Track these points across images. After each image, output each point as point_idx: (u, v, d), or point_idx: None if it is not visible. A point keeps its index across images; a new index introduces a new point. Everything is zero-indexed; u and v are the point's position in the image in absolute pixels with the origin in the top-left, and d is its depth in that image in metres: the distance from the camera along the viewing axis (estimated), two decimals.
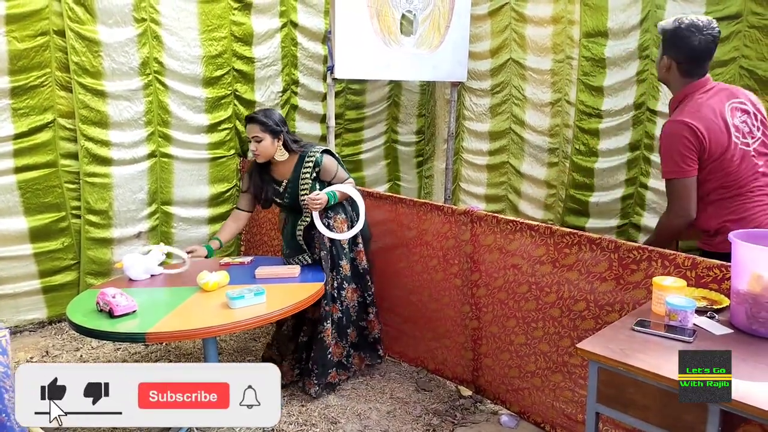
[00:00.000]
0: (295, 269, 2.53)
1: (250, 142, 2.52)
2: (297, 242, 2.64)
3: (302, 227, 2.60)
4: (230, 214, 2.75)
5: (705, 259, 1.83)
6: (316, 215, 2.50)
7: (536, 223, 2.30)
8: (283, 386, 2.72)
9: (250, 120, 2.51)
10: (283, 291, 2.32)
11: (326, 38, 3.99)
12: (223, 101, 3.68)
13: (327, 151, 2.61)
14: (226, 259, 2.77)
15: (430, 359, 2.80)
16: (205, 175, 3.69)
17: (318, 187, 2.56)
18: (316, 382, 2.55)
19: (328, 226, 2.57)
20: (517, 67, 4.13)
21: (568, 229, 2.19)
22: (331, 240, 2.60)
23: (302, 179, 2.55)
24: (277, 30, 3.83)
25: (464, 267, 2.55)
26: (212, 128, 3.65)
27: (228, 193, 3.81)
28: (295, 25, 3.91)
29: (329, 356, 2.57)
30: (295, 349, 2.69)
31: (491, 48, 4.25)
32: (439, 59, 3.96)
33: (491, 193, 4.52)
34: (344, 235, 2.59)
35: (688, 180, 2.01)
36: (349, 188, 2.58)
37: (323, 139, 4.10)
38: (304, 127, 4.12)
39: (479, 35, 4.30)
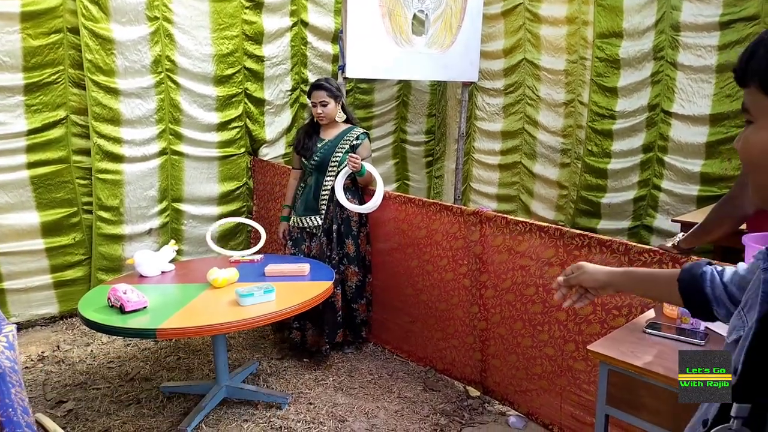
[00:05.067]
0: (304, 267, 2.53)
1: (316, 106, 2.84)
2: (316, 202, 2.87)
3: (329, 186, 2.85)
4: (290, 176, 3.09)
5: (717, 261, 1.80)
6: (339, 181, 2.79)
7: (546, 224, 2.27)
8: (291, 354, 2.94)
9: (317, 87, 2.84)
10: (292, 289, 2.32)
11: (337, 37, 3.99)
12: (233, 99, 3.69)
13: (368, 134, 3.01)
14: (237, 256, 2.78)
15: (439, 359, 2.79)
16: (215, 172, 3.71)
17: None
18: (327, 341, 2.84)
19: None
20: (531, 67, 4.11)
21: (578, 231, 2.17)
22: (342, 217, 2.87)
23: (341, 144, 2.88)
24: (287, 29, 3.84)
25: (473, 267, 2.54)
26: (223, 126, 3.67)
27: (238, 191, 3.83)
28: (305, 24, 3.92)
29: (339, 318, 2.86)
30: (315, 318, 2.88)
31: (505, 48, 4.23)
32: (451, 59, 3.94)
33: (503, 193, 4.50)
34: (357, 208, 2.83)
35: None
36: (376, 172, 2.85)
37: None
38: None
39: (492, 35, 4.28)
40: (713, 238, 1.74)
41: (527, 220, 2.35)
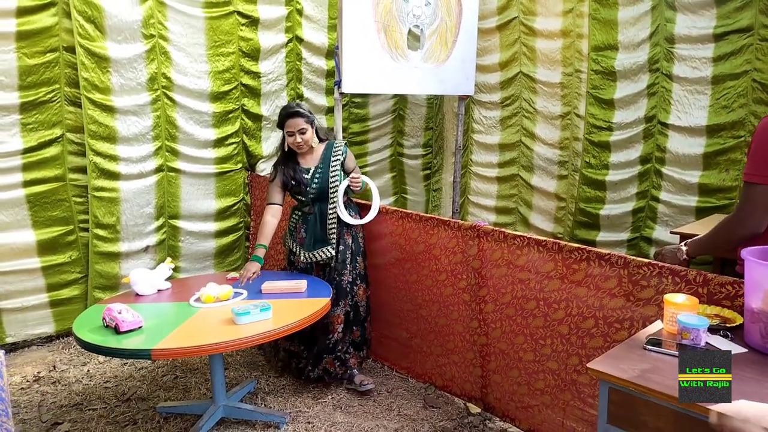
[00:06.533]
0: (301, 284, 2.51)
1: (292, 135, 2.65)
2: (325, 233, 2.72)
3: (334, 213, 2.72)
4: (265, 211, 2.76)
5: (717, 275, 1.79)
6: (341, 203, 2.69)
7: (544, 238, 2.26)
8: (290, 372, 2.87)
9: (294, 114, 2.64)
10: (289, 306, 2.30)
11: (331, 53, 4.01)
12: (230, 116, 3.70)
13: (347, 143, 2.90)
14: (233, 274, 2.76)
15: (438, 375, 2.76)
16: (212, 189, 3.70)
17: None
18: (312, 363, 2.71)
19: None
20: (528, 80, 4.12)
21: (576, 245, 2.15)
22: (352, 235, 2.79)
23: (333, 165, 2.73)
24: (282, 45, 3.86)
25: (472, 282, 2.52)
26: (219, 143, 3.67)
27: (235, 207, 3.82)
28: (300, 40, 3.94)
29: (328, 341, 2.69)
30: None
31: (500, 61, 4.25)
32: (447, 73, 3.96)
33: (501, 206, 4.49)
34: (362, 221, 2.79)
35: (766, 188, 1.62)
36: (369, 180, 2.83)
37: None
38: None
39: (488, 48, 4.30)
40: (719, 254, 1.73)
41: (525, 234, 2.34)
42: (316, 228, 2.73)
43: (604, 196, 3.73)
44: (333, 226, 2.71)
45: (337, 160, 2.75)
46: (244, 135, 3.78)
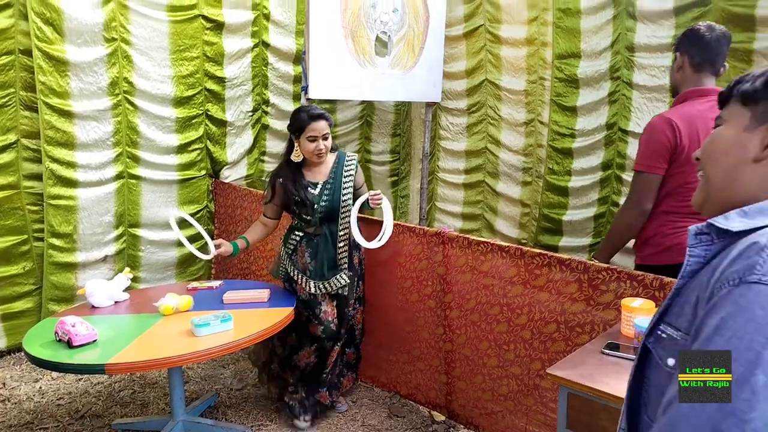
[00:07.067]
0: (264, 293, 2.46)
1: (314, 141, 2.33)
2: (337, 259, 2.41)
3: (346, 234, 2.39)
4: (258, 220, 2.55)
5: (672, 279, 1.82)
6: (354, 223, 2.32)
7: (507, 244, 2.27)
8: (252, 384, 2.73)
9: (318, 117, 2.33)
10: (251, 316, 2.25)
11: (298, 58, 3.98)
12: (194, 121, 3.63)
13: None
14: (194, 284, 2.69)
15: (404, 384, 2.74)
16: (175, 196, 3.61)
17: None
18: (304, 399, 2.47)
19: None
20: (493, 88, 4.16)
21: (538, 250, 2.17)
22: (358, 258, 2.55)
23: (345, 181, 2.42)
24: (248, 50, 3.81)
25: (437, 288, 2.52)
26: (182, 149, 3.59)
27: (198, 215, 3.74)
28: (266, 45, 3.90)
29: (324, 375, 2.50)
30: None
31: (467, 68, 4.28)
32: (414, 80, 3.97)
33: (467, 212, 4.51)
34: (378, 243, 2.38)
35: (653, 176, 2.01)
36: (385, 199, 2.46)
37: None
38: (276, 147, 4.08)
39: (455, 56, 4.32)
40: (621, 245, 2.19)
41: (489, 240, 2.35)
42: (329, 254, 2.41)
43: (566, 201, 3.78)
44: (344, 250, 2.42)
45: (350, 175, 2.44)
46: (208, 141, 3.71)
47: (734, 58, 3.11)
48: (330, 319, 2.44)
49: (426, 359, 2.62)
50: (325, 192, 2.39)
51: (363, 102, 4.52)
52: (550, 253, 2.13)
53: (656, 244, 2.05)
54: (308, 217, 2.38)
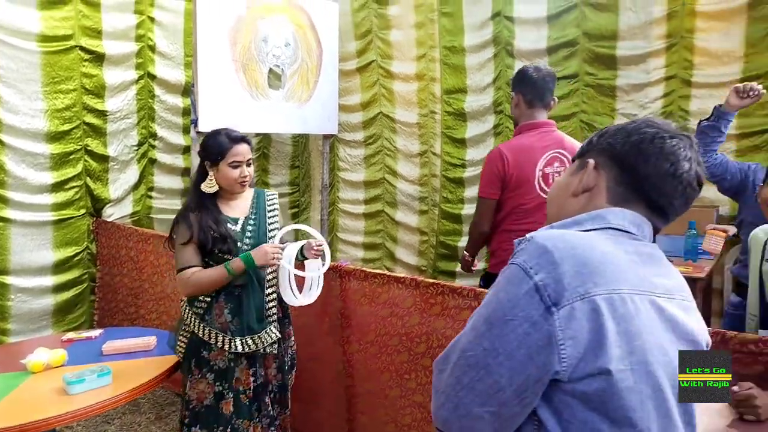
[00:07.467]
0: (150, 340, 2.30)
1: (238, 167, 2.02)
2: (264, 309, 2.10)
3: (274, 280, 2.11)
4: (185, 276, 2.01)
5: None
6: (292, 271, 2.08)
7: (402, 275, 2.31)
8: None
9: (242, 140, 2.04)
10: (135, 367, 2.09)
11: (188, 90, 3.86)
12: (71, 157, 3.37)
13: None
14: (70, 335, 2.46)
15: (304, 423, 2.66)
16: (50, 238, 3.31)
17: None
18: None
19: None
20: (388, 120, 4.27)
21: (432, 280, 2.22)
22: (283, 307, 2.23)
23: (270, 215, 2.16)
24: (132, 82, 3.63)
25: (336, 323, 2.49)
26: (58, 187, 3.31)
27: (77, 257, 3.44)
28: (152, 77, 3.74)
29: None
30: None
31: (362, 101, 4.36)
32: (309, 112, 3.98)
33: (369, 241, 4.55)
34: (311, 299, 2.20)
35: (489, 201, 2.36)
36: (326, 245, 2.24)
37: (186, 193, 3.90)
38: (165, 182, 3.89)
39: (350, 89, 4.40)
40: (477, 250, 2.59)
41: (384, 272, 2.37)
42: (255, 303, 2.06)
43: (461, 228, 3.93)
44: (273, 299, 2.13)
45: (274, 209, 2.20)
46: (88, 177, 3.46)
47: (600, 93, 3.44)
48: (266, 382, 2.15)
49: (327, 395, 2.56)
50: (248, 229, 2.09)
51: (259, 134, 4.45)
52: (443, 283, 2.18)
53: (498, 257, 2.40)
54: (229, 258, 2.02)
